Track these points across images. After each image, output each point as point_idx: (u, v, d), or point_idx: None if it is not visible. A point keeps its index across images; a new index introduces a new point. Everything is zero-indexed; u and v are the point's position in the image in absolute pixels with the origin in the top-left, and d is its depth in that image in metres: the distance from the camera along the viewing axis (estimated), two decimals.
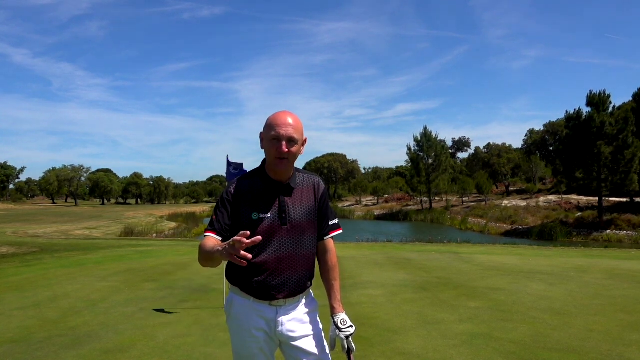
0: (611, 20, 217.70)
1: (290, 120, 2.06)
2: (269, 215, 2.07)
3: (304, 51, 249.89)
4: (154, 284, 8.42)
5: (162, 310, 6.31)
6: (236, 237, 1.68)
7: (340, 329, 2.12)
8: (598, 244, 24.97)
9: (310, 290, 2.26)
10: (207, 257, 1.94)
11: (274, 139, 2.05)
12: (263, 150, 2.15)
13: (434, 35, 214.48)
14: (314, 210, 2.18)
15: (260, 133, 2.14)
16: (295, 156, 2.10)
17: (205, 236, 2.05)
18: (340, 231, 2.30)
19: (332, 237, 2.27)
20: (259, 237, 1.71)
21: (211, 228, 2.06)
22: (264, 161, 2.18)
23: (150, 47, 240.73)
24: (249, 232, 1.70)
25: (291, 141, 2.06)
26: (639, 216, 31.01)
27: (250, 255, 1.70)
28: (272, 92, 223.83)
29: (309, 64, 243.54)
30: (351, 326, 2.15)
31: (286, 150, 2.04)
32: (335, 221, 2.29)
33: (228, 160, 6.22)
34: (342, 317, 2.15)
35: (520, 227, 35.51)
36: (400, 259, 12.21)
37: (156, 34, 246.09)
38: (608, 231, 30.35)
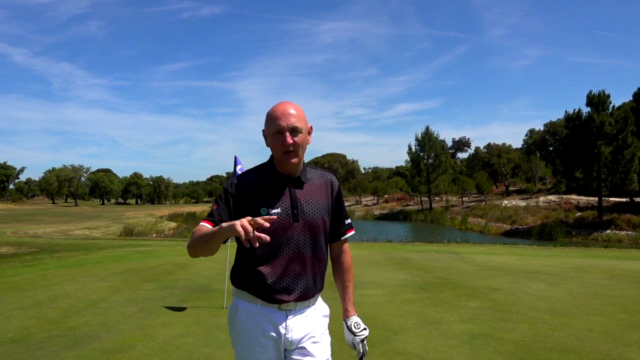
0: (611, 19, 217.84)
1: (290, 110, 1.90)
2: (279, 210, 1.89)
3: (305, 51, 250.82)
4: (154, 284, 8.42)
5: (162, 311, 6.31)
6: (258, 218, 1.54)
7: (354, 333, 2.06)
8: (598, 244, 24.98)
9: (319, 295, 2.12)
10: (205, 239, 1.73)
11: (277, 133, 1.89)
12: (269, 149, 1.99)
13: (434, 35, 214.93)
14: (327, 208, 2.02)
15: (263, 130, 1.97)
16: (302, 146, 1.93)
17: (201, 225, 1.84)
18: (353, 232, 2.19)
19: (347, 238, 2.15)
20: (268, 238, 1.55)
21: (210, 219, 1.86)
22: (271, 157, 2.02)
23: (150, 47, 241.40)
24: (268, 224, 1.55)
25: (295, 131, 1.88)
26: (639, 216, 31.02)
27: (268, 238, 1.53)
28: (272, 92, 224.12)
29: (310, 64, 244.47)
30: (365, 328, 2.09)
31: (291, 141, 1.87)
32: (349, 221, 2.16)
33: (237, 159, 6.09)
34: (355, 320, 2.09)
35: (520, 227, 35.52)
36: (400, 259, 12.21)
37: (156, 34, 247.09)
38: (608, 231, 30.36)
